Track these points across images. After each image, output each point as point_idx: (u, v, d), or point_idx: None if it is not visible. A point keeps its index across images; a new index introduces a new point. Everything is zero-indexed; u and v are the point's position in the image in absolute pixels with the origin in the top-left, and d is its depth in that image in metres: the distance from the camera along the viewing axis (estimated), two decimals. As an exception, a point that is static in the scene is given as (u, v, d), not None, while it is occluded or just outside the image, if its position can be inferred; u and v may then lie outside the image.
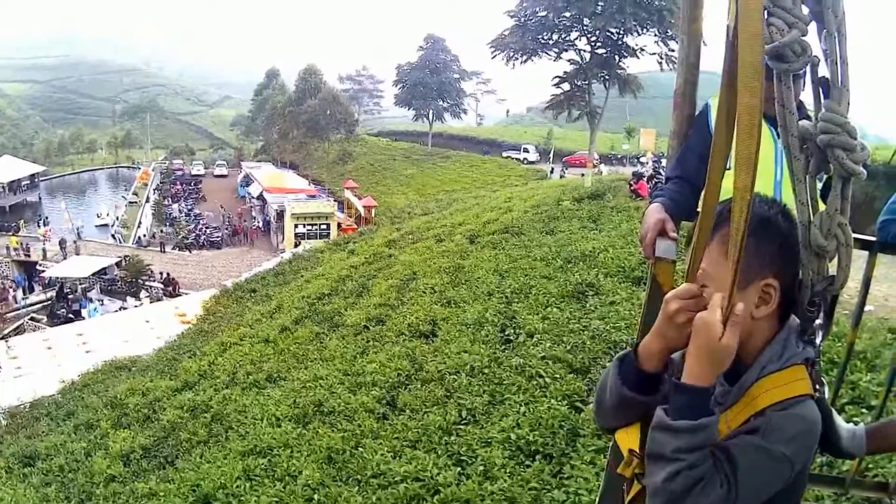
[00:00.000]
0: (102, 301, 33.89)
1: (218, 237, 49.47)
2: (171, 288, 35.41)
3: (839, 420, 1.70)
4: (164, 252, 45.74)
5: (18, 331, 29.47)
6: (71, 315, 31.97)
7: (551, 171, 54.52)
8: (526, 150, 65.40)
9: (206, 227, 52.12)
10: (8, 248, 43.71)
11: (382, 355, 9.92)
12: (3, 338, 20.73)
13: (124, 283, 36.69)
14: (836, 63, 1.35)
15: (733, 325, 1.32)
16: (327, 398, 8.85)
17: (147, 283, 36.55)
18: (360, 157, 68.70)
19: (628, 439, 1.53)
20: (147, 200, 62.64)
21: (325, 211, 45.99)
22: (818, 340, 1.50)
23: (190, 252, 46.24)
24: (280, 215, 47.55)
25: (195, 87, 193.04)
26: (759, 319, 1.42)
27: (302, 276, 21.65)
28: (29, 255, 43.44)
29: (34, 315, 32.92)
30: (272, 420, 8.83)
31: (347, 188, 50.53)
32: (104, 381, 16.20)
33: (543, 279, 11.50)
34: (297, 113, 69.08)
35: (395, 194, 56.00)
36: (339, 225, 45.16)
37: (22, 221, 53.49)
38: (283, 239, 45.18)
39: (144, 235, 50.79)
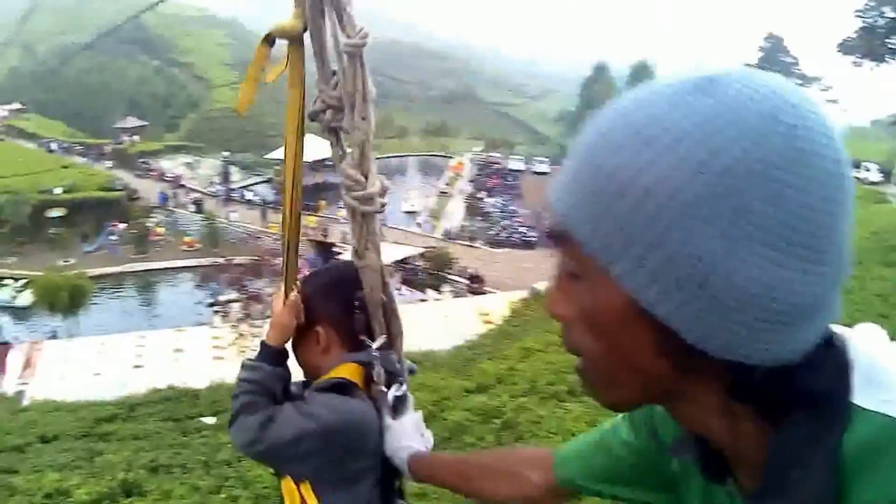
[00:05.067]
0: (401, 290, 35.42)
1: (534, 237, 50.18)
2: (476, 285, 36.38)
3: (402, 426, 1.96)
4: (473, 247, 47.28)
5: (308, 311, 31.63)
6: (365, 301, 33.68)
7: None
8: (866, 169, 59.72)
9: (521, 225, 53.15)
10: (305, 227, 47.08)
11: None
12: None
13: (427, 274, 38.44)
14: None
15: (288, 308, 1.96)
16: (632, 420, 8.34)
17: (451, 276, 38.03)
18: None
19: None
20: (460, 192, 65.27)
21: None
22: (374, 345, 1.97)
23: (501, 249, 47.36)
24: (600, 218, 47.16)
25: (515, 78, 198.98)
26: (324, 353, 2.00)
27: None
28: (326, 237, 46.89)
29: (326, 298, 35.29)
30: (567, 436, 8.49)
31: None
32: (391, 373, 16.81)
33: (879, 318, 10.14)
34: (627, 111, 68.51)
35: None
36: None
37: (323, 202, 57.83)
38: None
39: (454, 228, 52.83)
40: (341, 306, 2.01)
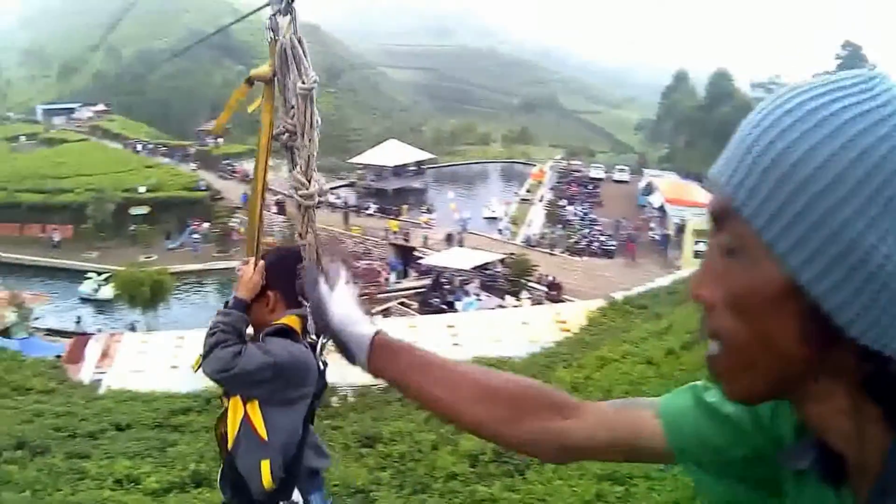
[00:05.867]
0: (480, 296, 35.59)
1: (613, 246, 49.79)
2: (554, 292, 36.13)
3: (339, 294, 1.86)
4: (553, 254, 46.97)
5: (385, 313, 31.99)
6: (444, 305, 33.99)
7: None
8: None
9: (601, 234, 52.76)
10: (387, 230, 48.47)
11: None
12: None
13: (506, 280, 38.30)
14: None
15: (257, 271, 2.76)
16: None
17: (530, 283, 37.82)
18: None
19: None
20: (541, 199, 64.96)
21: (730, 229, 44.06)
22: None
23: (580, 257, 47.02)
24: (680, 230, 46.76)
25: (596, 85, 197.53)
26: (271, 312, 2.79)
27: (699, 297, 20.73)
28: (408, 241, 47.49)
29: (405, 300, 35.61)
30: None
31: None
32: (468, 378, 16.64)
33: None
34: (707, 120, 67.46)
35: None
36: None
37: (405, 207, 58.36)
38: (681, 255, 44.18)
39: (534, 235, 52.56)
40: (286, 277, 2.67)
